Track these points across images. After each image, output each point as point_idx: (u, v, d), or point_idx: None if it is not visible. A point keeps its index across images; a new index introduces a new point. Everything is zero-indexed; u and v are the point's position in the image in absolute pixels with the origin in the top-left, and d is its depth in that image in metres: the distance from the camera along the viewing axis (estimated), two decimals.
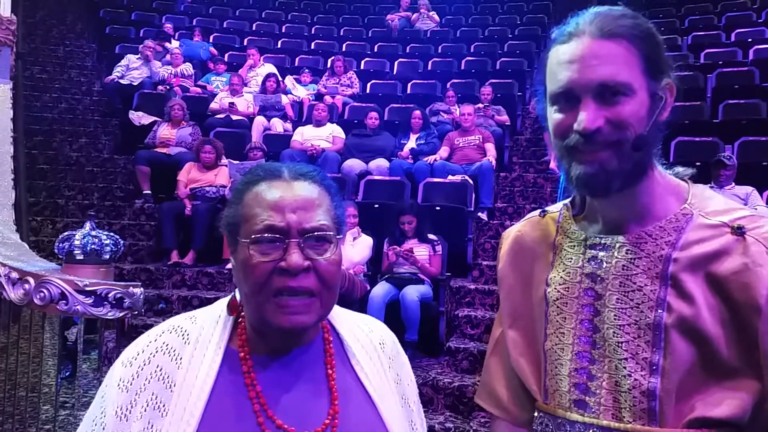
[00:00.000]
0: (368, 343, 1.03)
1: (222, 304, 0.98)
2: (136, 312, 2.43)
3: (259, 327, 0.92)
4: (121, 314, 2.33)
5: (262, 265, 0.87)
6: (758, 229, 0.91)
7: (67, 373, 3.63)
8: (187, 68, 8.63)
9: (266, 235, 0.87)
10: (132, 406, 0.88)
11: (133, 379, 0.90)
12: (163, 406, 0.88)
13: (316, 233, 0.89)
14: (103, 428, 0.88)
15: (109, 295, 2.30)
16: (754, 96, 7.08)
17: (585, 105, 0.91)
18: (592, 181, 0.93)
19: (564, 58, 0.93)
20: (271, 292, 0.87)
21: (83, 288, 2.29)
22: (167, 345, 0.92)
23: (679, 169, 1.02)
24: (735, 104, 7.02)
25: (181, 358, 0.91)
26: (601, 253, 0.99)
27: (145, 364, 0.91)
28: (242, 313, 0.95)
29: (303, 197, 0.90)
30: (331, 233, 0.90)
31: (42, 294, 2.30)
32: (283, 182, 0.92)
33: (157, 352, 0.92)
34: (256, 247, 0.88)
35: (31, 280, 2.34)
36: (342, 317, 1.04)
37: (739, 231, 0.91)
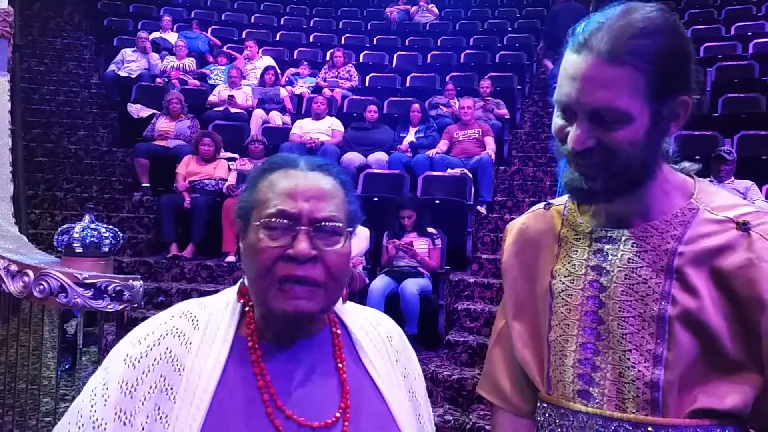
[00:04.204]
0: (376, 336, 1.03)
1: (230, 292, 0.98)
2: (136, 305, 2.43)
3: (264, 313, 0.92)
4: (121, 307, 2.33)
5: (270, 250, 0.87)
6: (763, 225, 0.91)
7: (67, 366, 3.64)
8: (190, 63, 8.60)
9: (277, 220, 0.87)
10: (138, 384, 0.87)
11: (141, 357, 0.89)
12: (171, 389, 0.87)
13: (326, 223, 0.88)
14: (106, 400, 0.87)
15: (109, 288, 2.30)
16: (754, 90, 7.07)
17: (578, 124, 0.91)
18: (577, 192, 0.96)
19: (569, 71, 0.92)
20: (276, 279, 0.86)
21: (82, 281, 2.28)
22: (177, 329, 0.92)
23: (686, 164, 1.02)
24: (735, 98, 7.01)
25: (190, 343, 0.90)
26: (607, 246, 1.00)
27: (154, 345, 0.90)
28: (250, 302, 0.95)
29: (317, 187, 0.90)
30: (342, 225, 0.90)
31: (41, 287, 2.29)
32: (299, 172, 0.92)
33: (167, 334, 0.91)
34: (266, 232, 0.87)
35: (31, 273, 2.34)
36: (349, 311, 1.04)
37: (744, 227, 0.91)
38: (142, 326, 0.94)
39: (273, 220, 0.88)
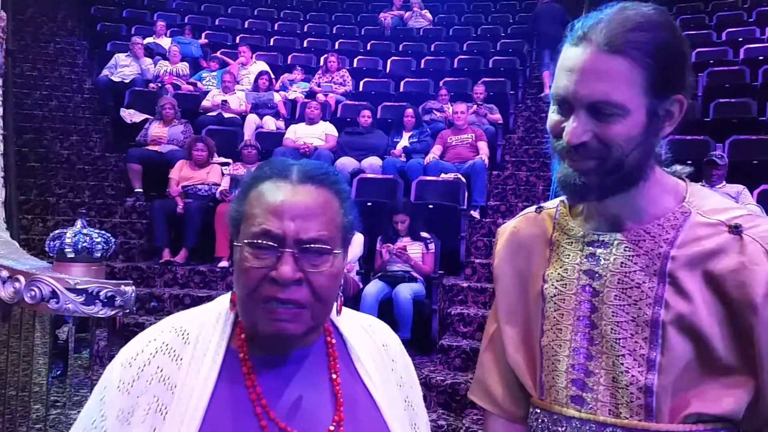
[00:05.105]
0: (372, 344, 1.00)
1: (221, 301, 0.96)
2: (128, 310, 2.41)
3: (250, 330, 0.90)
4: (113, 313, 2.31)
5: (254, 271, 0.84)
6: (755, 228, 0.91)
7: (58, 372, 3.61)
8: (184, 68, 8.59)
9: (261, 240, 0.84)
10: (134, 409, 0.86)
11: (134, 381, 0.87)
12: (165, 408, 0.85)
13: (313, 245, 0.84)
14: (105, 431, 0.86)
15: (101, 294, 2.28)
16: (745, 95, 7.12)
17: (575, 117, 0.91)
18: (571, 188, 0.95)
19: (567, 63, 0.92)
20: (261, 300, 0.84)
21: (74, 286, 2.27)
22: (167, 345, 0.90)
23: (678, 167, 1.02)
24: (726, 103, 7.06)
25: (181, 359, 0.88)
26: (599, 250, 0.99)
27: (145, 365, 0.88)
28: None
29: (306, 204, 0.86)
30: (330, 246, 0.86)
31: (32, 292, 2.28)
32: (289, 184, 0.87)
33: (157, 352, 0.89)
34: (251, 251, 0.85)
35: (22, 279, 2.32)
36: (345, 318, 1.01)
37: (736, 230, 0.91)
38: (132, 345, 0.92)
39: (257, 240, 0.84)
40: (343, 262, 0.91)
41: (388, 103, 8.20)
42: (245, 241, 0.85)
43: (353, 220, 0.93)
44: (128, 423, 0.85)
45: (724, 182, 5.28)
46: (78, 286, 2.27)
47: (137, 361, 0.89)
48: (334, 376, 0.93)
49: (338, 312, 0.98)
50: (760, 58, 8.00)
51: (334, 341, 0.97)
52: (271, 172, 0.89)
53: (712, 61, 8.13)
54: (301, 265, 0.84)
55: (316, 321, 0.88)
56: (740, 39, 8.88)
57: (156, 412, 0.85)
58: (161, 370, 0.88)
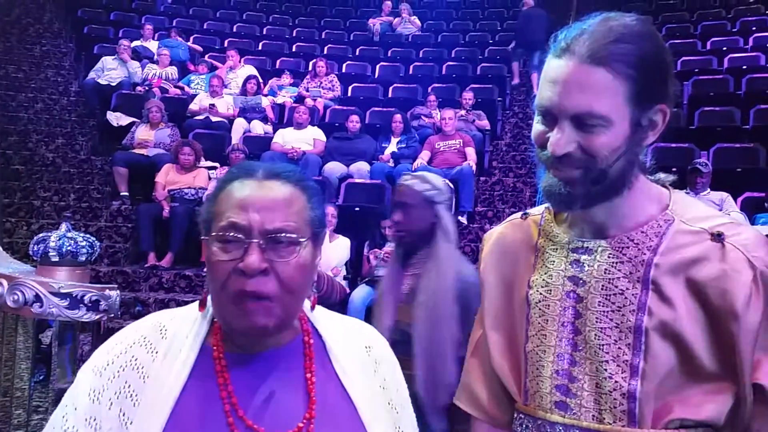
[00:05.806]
0: (353, 346, 1.01)
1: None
2: (112, 315, 2.40)
3: (225, 327, 0.92)
4: (97, 317, 2.30)
5: (223, 265, 0.86)
6: (737, 236, 0.92)
7: (41, 377, 3.57)
8: (173, 72, 8.55)
9: (228, 233, 0.86)
10: (104, 390, 0.88)
11: (107, 365, 0.90)
12: (136, 395, 0.88)
13: (279, 235, 0.86)
14: (76, 408, 0.89)
15: (85, 298, 2.27)
16: (729, 103, 7.21)
17: (559, 128, 0.92)
18: (556, 197, 0.96)
19: (551, 75, 0.92)
20: (232, 294, 0.85)
21: (58, 290, 2.25)
22: (145, 338, 0.93)
23: (661, 175, 1.03)
24: (710, 111, 7.15)
25: (156, 352, 0.91)
26: (584, 257, 1.00)
27: (121, 353, 0.91)
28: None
29: (270, 197, 0.88)
30: (296, 235, 0.87)
31: (15, 296, 2.25)
32: (255, 181, 0.90)
33: (134, 343, 0.92)
34: (219, 245, 0.87)
35: (5, 283, 2.29)
36: (326, 320, 1.02)
37: (718, 238, 0.92)
38: (113, 337, 0.95)
39: (224, 233, 0.86)
40: (313, 256, 0.92)
41: (376, 109, 8.22)
42: (213, 234, 0.88)
43: (321, 217, 0.94)
44: (98, 402, 0.88)
45: (709, 189, 5.34)
46: (62, 290, 2.25)
47: (114, 350, 0.92)
48: (308, 375, 0.94)
49: (312, 307, 0.99)
50: (744, 67, 8.11)
51: (312, 341, 0.97)
52: (239, 172, 0.92)
53: (696, 70, 8.23)
54: (268, 255, 0.86)
55: (287, 314, 0.89)
56: (724, 48, 8.99)
57: (126, 397, 0.88)
58: (136, 360, 0.91)
